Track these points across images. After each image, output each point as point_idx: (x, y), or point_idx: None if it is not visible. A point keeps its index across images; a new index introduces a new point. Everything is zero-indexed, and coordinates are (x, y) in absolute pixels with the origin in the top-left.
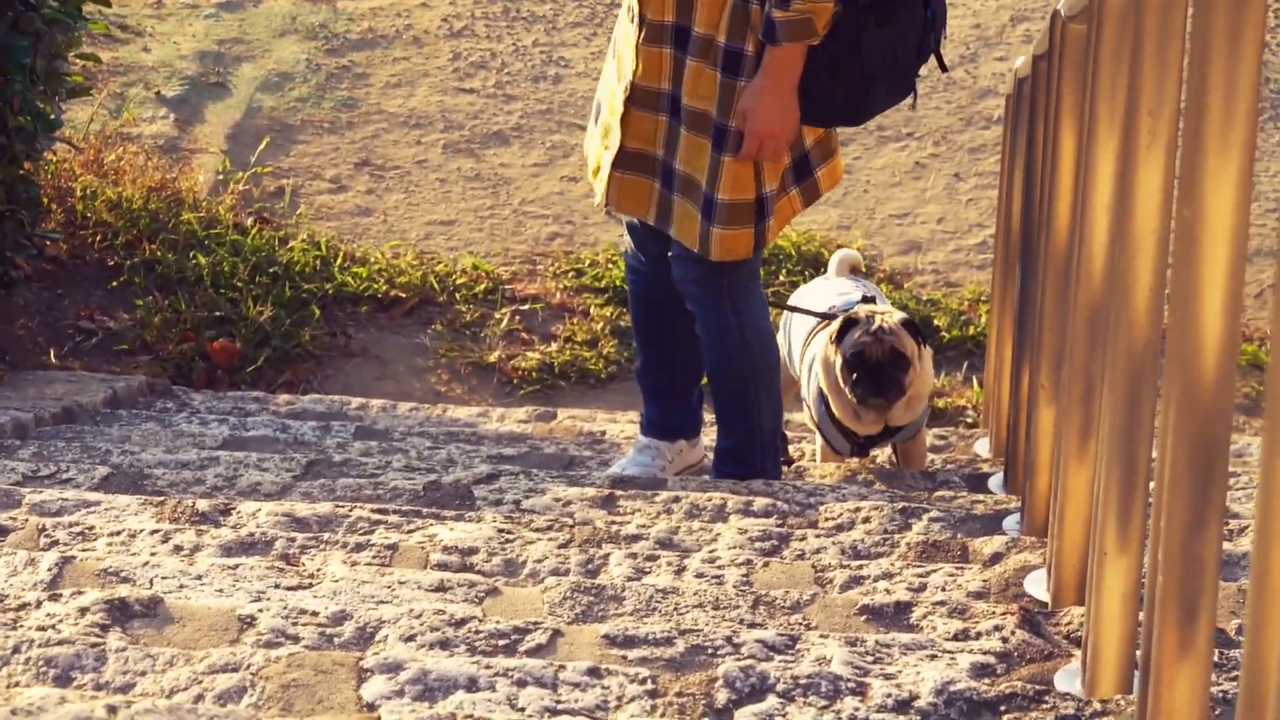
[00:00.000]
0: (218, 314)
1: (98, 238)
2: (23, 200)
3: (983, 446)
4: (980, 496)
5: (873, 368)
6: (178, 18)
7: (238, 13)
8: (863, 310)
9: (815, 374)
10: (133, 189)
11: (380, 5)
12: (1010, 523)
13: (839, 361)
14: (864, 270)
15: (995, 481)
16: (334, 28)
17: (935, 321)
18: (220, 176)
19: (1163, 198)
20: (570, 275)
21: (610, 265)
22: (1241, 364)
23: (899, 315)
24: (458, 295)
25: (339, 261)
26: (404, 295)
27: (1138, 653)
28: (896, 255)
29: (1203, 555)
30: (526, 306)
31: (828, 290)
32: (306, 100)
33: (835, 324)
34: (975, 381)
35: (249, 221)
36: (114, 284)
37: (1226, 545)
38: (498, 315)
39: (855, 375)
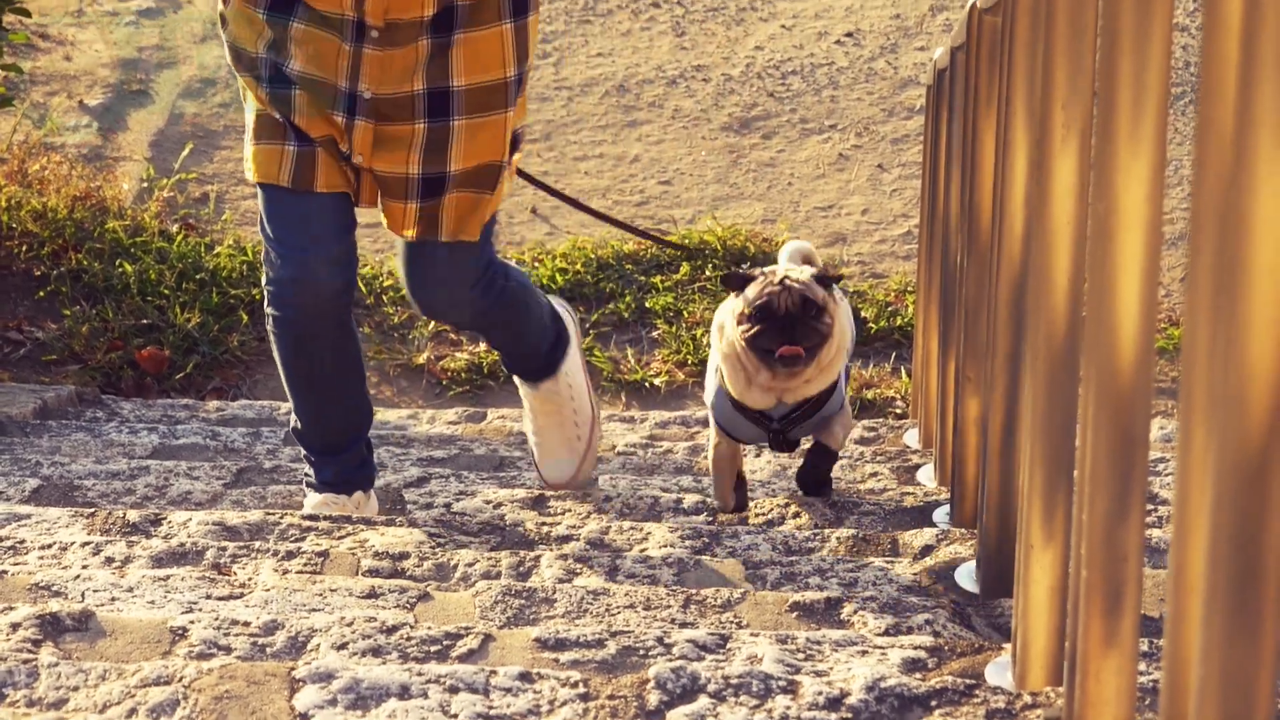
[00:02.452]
0: (145, 322)
1: (23, 248)
2: None
3: (912, 437)
4: (910, 488)
5: (782, 319)
6: (98, 25)
7: (158, 19)
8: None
9: (714, 353)
10: (57, 198)
11: None
12: (940, 514)
13: (740, 314)
14: (819, 264)
15: (924, 473)
16: None
17: (863, 313)
18: (145, 184)
19: (1078, 190)
20: None
21: (536, 264)
22: (1170, 348)
23: (808, 269)
24: (385, 297)
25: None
26: None
27: (1067, 644)
28: (822, 247)
29: (1126, 545)
30: None
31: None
32: (229, 105)
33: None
34: (904, 372)
35: (174, 228)
36: (41, 294)
37: (1156, 532)
38: (422, 320)
39: (759, 329)
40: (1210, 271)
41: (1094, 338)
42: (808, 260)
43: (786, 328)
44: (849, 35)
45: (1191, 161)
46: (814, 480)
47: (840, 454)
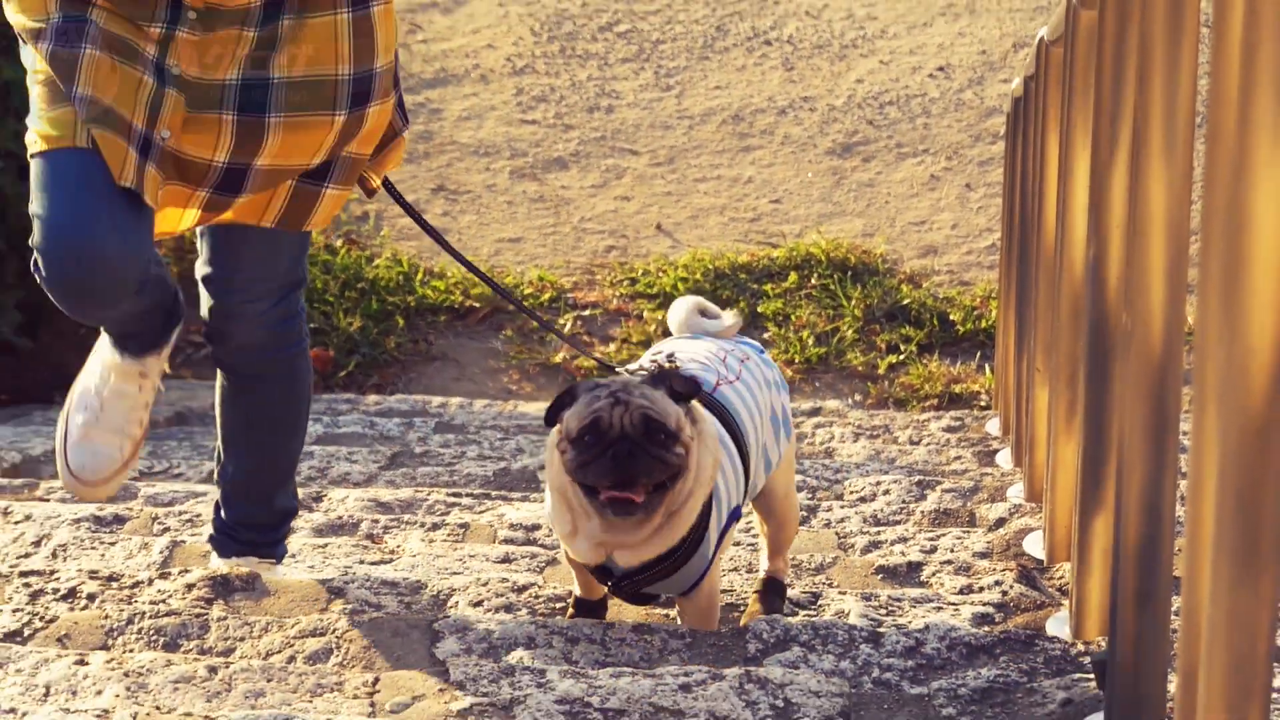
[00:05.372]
0: (312, 326)
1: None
2: None
3: (994, 426)
4: (989, 469)
5: (614, 444)
6: None
7: None
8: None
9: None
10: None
11: (451, 47)
12: (1014, 491)
13: (562, 437)
14: (719, 323)
15: (1002, 456)
16: (410, 68)
17: (951, 316)
18: None
19: (1126, 197)
20: (625, 284)
21: (660, 274)
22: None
23: (652, 366)
24: (526, 303)
25: (419, 276)
26: (478, 305)
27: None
28: (915, 258)
29: (1160, 511)
30: (587, 312)
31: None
32: None
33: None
34: (987, 369)
35: (338, 243)
36: None
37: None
38: (561, 320)
39: (583, 459)
40: (1218, 260)
41: (1132, 329)
42: (703, 313)
43: (620, 458)
44: (940, 69)
45: (1203, 165)
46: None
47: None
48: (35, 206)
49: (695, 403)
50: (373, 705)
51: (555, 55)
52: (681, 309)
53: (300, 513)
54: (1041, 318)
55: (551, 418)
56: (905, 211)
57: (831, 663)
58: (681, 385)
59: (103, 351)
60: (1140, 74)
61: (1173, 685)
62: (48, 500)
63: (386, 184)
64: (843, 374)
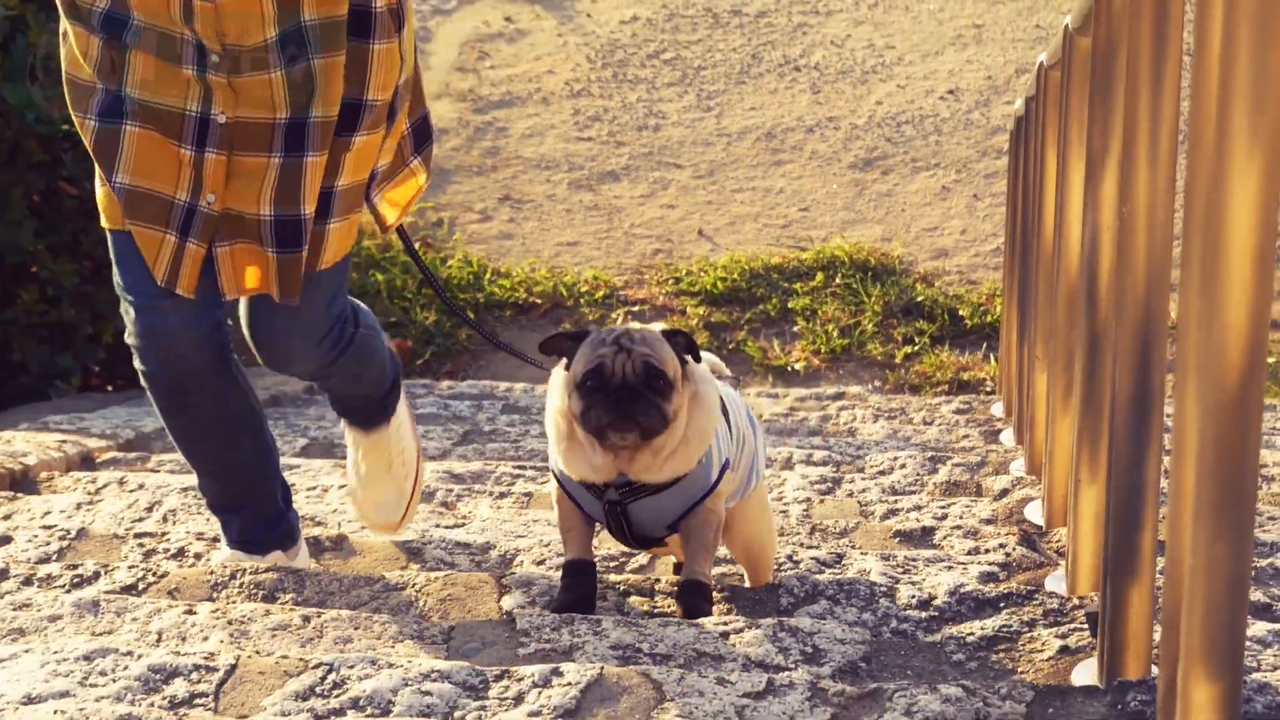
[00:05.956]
0: (393, 319)
1: None
2: None
3: (998, 409)
4: (994, 446)
5: (618, 388)
6: None
7: None
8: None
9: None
10: None
11: (515, 73)
12: (1016, 465)
13: (569, 384)
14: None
15: (1006, 435)
16: (479, 91)
17: (960, 311)
18: None
19: (1116, 202)
20: (670, 283)
21: (701, 274)
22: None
23: (660, 325)
24: (582, 300)
25: (488, 276)
26: (539, 301)
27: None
28: (928, 260)
29: (1145, 478)
30: (636, 308)
31: None
32: (459, 149)
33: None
34: (992, 358)
35: (416, 245)
36: None
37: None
38: (613, 315)
39: (587, 405)
40: (1198, 254)
41: (1120, 317)
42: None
43: (622, 401)
44: (950, 93)
45: (1186, 172)
46: (691, 615)
47: (714, 589)
48: (117, 278)
49: (692, 361)
50: (448, 650)
51: (608, 80)
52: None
53: None
54: (1041, 311)
55: (548, 348)
56: (919, 219)
57: (854, 614)
58: (690, 342)
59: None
60: (1128, 93)
61: (1157, 635)
62: (158, 471)
63: (401, 233)
64: (864, 363)
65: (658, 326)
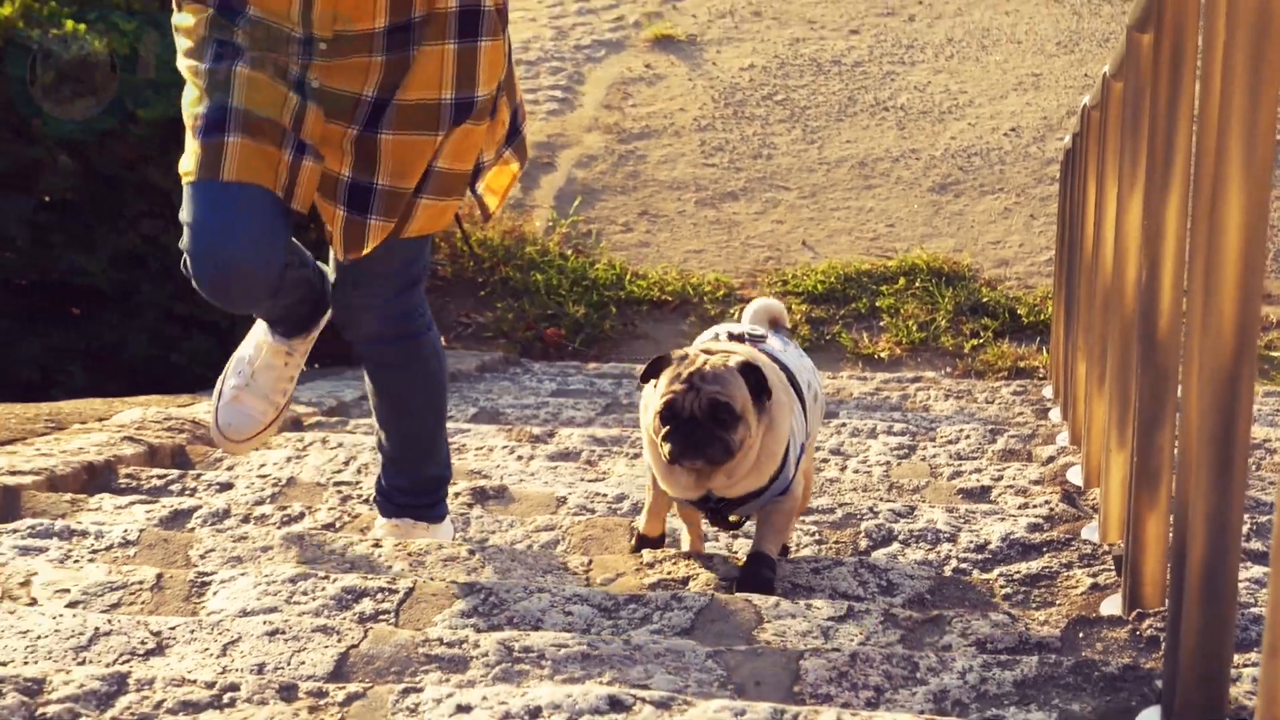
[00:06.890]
0: (550, 312)
1: (471, 264)
2: None
3: (1048, 391)
4: (1044, 421)
5: (687, 422)
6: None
7: (560, 115)
8: (696, 348)
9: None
10: (493, 232)
11: (653, 110)
12: (1061, 437)
13: (652, 410)
14: (788, 326)
15: (1054, 413)
16: (623, 125)
17: (1018, 311)
18: (550, 223)
19: (1140, 221)
20: (778, 284)
21: (804, 277)
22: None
23: (739, 358)
24: (705, 298)
25: (628, 277)
26: (670, 299)
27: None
28: (992, 268)
29: (1159, 442)
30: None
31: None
32: (606, 173)
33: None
34: (1044, 349)
35: (569, 252)
36: (482, 293)
37: None
38: (732, 311)
39: (667, 430)
40: (1202, 252)
41: (1143, 310)
42: (775, 321)
43: (691, 434)
44: (1012, 130)
45: (1192, 188)
46: (752, 587)
47: (782, 559)
48: (184, 214)
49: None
50: (588, 580)
51: (729, 117)
52: (758, 304)
53: (538, 445)
54: (1082, 310)
55: (646, 378)
56: (985, 234)
57: (922, 555)
58: (761, 375)
59: (258, 328)
60: (1151, 128)
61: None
62: (354, 433)
63: (465, 239)
64: (937, 352)
65: (737, 359)
